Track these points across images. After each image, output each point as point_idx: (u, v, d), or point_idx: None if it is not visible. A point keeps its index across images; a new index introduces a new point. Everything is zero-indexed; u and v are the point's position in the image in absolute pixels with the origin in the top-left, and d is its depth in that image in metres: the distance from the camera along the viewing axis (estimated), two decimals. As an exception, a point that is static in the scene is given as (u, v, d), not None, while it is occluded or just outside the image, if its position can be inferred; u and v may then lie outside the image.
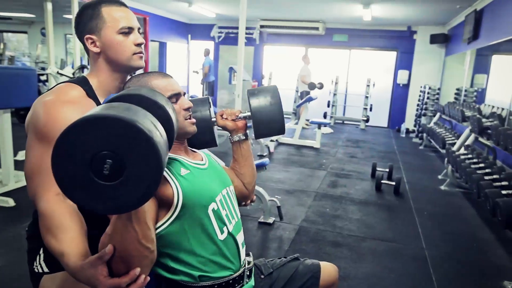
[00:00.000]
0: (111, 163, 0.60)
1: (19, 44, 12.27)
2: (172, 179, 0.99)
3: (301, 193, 3.86)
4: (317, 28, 8.46)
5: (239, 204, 1.28)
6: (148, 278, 0.78)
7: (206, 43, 9.59)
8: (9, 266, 2.24)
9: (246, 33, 9.11)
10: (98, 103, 1.04)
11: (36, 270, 1.08)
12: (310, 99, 6.30)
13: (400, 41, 8.51)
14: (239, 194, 1.27)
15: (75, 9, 5.78)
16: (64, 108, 0.94)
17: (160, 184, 0.94)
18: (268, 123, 1.23)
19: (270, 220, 3.06)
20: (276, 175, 4.45)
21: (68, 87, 1.02)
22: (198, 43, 9.80)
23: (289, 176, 4.45)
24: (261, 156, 5.26)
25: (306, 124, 7.82)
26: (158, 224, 0.96)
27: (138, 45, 1.08)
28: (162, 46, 9.28)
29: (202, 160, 1.15)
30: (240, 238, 1.10)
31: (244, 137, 1.26)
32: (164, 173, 0.98)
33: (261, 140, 5.35)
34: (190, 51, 9.84)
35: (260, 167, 3.00)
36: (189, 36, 9.57)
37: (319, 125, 6.07)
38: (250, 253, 1.18)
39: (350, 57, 9.18)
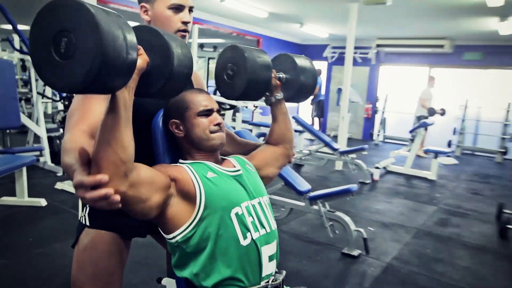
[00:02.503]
0: (66, 41, 0.68)
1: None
2: (196, 178, 1.06)
3: (399, 228, 3.54)
4: (442, 46, 7.79)
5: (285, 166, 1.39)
6: (118, 198, 0.80)
7: (319, 63, 9.69)
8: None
9: (361, 53, 8.94)
10: None
11: (81, 221, 1.25)
12: (425, 125, 5.78)
13: (554, 58, 7.25)
14: (282, 155, 1.35)
15: (195, 33, 6.51)
16: None
17: (179, 176, 1.04)
18: (308, 85, 1.38)
19: (355, 253, 2.87)
20: (375, 205, 4.17)
21: None
22: (311, 64, 9.95)
23: (389, 208, 4.12)
24: (362, 184, 5.01)
25: (425, 153, 7.17)
26: (186, 225, 1.02)
27: (185, 23, 1.18)
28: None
29: (235, 167, 1.19)
30: (266, 250, 1.09)
31: (282, 96, 1.35)
32: (187, 170, 1.08)
33: (364, 165, 5.11)
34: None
35: (346, 193, 2.87)
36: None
37: (436, 154, 5.51)
38: (283, 272, 1.15)
39: (484, 77, 8.17)
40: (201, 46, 9.42)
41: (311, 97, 8.86)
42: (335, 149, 5.31)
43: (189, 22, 1.19)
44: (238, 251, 1.03)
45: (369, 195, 4.58)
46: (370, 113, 9.29)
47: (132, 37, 0.75)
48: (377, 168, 5.32)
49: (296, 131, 6.46)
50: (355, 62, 8.75)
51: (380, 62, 9.12)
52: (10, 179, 3.57)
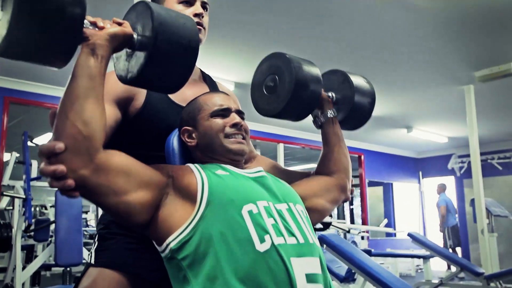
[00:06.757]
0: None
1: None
2: (200, 172, 1.07)
3: None
4: None
5: (340, 204, 1.36)
6: (71, 182, 0.85)
7: (444, 179, 9.33)
8: None
9: (500, 157, 8.46)
10: None
11: (88, 259, 1.28)
12: None
13: None
14: (336, 187, 1.32)
15: (281, 154, 6.91)
16: (113, 75, 1.17)
17: (180, 172, 1.08)
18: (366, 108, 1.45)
19: None
20: None
21: None
22: (434, 181, 9.61)
23: None
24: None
25: None
26: (183, 227, 0.99)
27: (197, 15, 1.32)
28: (387, 188, 9.56)
29: (256, 169, 1.18)
30: (300, 265, 0.98)
31: (335, 113, 1.37)
32: (192, 167, 1.11)
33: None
34: (423, 191, 9.73)
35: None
36: (420, 172, 9.59)
37: None
38: None
39: None
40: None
41: (439, 222, 8.32)
42: (478, 274, 4.75)
43: (202, 15, 1.33)
44: (251, 258, 0.94)
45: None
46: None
47: None
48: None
49: (419, 257, 6.02)
50: (494, 171, 8.32)
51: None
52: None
